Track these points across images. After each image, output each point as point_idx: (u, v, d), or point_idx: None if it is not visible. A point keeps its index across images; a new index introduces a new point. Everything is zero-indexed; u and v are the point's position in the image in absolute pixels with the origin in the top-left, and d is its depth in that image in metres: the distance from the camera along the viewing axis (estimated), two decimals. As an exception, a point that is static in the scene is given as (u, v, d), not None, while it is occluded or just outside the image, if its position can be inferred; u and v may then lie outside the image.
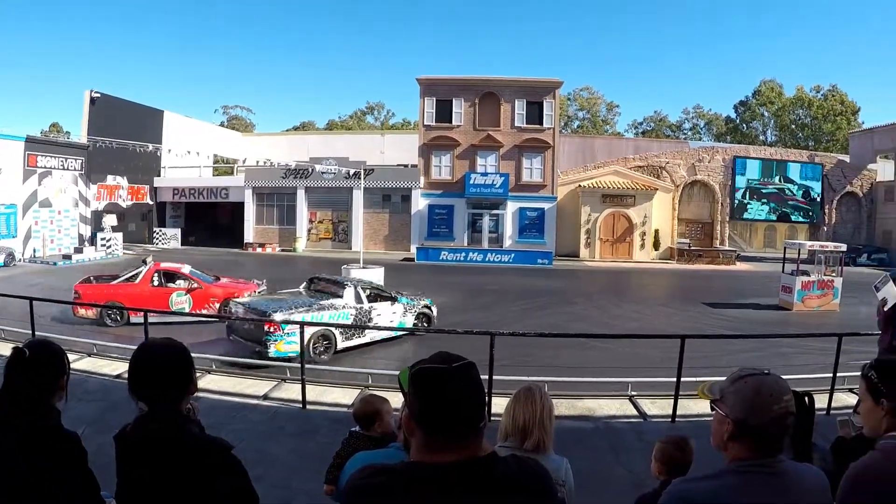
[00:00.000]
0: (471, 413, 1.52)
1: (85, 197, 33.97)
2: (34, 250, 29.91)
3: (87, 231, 33.53)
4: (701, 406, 7.27)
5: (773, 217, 41.26)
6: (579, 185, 37.10)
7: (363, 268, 19.83)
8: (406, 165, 39.51)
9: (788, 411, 1.75)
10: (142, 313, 13.48)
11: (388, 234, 37.86)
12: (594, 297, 21.43)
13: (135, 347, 2.30)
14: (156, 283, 15.17)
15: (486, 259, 33.83)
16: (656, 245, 36.91)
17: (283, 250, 37.21)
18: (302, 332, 8.83)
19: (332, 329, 12.07)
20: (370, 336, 12.92)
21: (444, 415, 1.49)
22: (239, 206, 39.47)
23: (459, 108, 37.33)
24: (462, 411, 1.50)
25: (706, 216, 40.96)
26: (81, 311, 14.36)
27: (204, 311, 15.00)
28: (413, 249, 35.07)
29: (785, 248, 22.41)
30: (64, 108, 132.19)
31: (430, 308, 14.92)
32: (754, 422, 1.73)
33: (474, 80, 37.84)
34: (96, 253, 30.79)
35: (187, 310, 14.87)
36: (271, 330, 11.26)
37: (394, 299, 14.07)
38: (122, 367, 8.78)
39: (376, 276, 18.84)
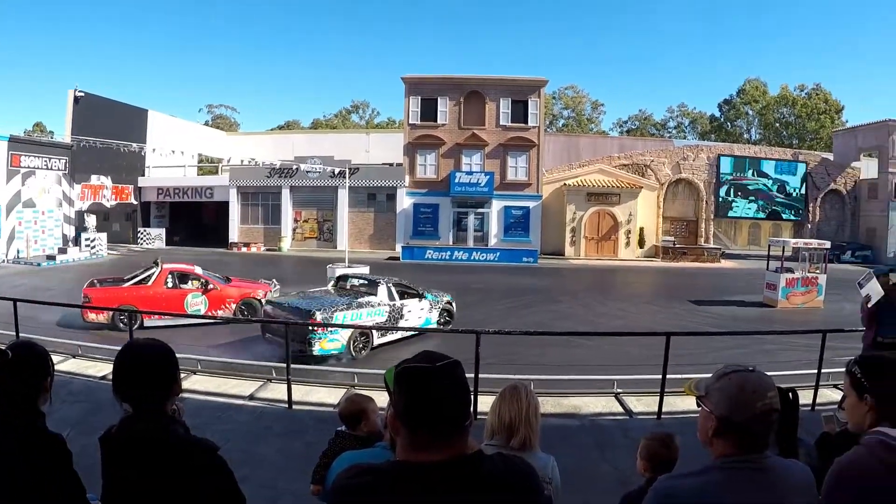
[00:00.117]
0: (456, 411, 1.52)
1: (69, 197, 33.52)
2: (18, 251, 29.48)
3: (71, 231, 33.08)
4: (686, 403, 7.33)
5: (759, 215, 41.65)
6: (564, 184, 37.20)
7: (348, 267, 19.73)
8: (391, 164, 39.38)
9: (772, 408, 1.76)
10: (156, 316, 13.59)
11: (374, 234, 37.75)
12: (579, 296, 21.49)
13: (119, 348, 2.28)
14: (170, 284, 14.76)
15: (472, 258, 33.79)
16: (641, 243, 37.14)
17: (268, 250, 36.97)
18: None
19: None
20: (401, 332, 13.03)
21: (428, 413, 1.49)
22: (224, 206, 39.09)
23: (444, 107, 37.28)
24: (447, 410, 1.50)
25: (691, 214, 41.28)
26: (91, 316, 13.77)
27: (220, 314, 14.63)
28: (398, 248, 35.01)
29: (769, 246, 22.64)
30: (47, 107, 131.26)
31: (451, 304, 14.99)
32: (738, 418, 1.74)
33: (459, 78, 37.76)
34: (80, 253, 30.43)
35: (203, 311, 14.51)
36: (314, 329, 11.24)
37: (421, 296, 14.08)
38: (106, 369, 8.72)
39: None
